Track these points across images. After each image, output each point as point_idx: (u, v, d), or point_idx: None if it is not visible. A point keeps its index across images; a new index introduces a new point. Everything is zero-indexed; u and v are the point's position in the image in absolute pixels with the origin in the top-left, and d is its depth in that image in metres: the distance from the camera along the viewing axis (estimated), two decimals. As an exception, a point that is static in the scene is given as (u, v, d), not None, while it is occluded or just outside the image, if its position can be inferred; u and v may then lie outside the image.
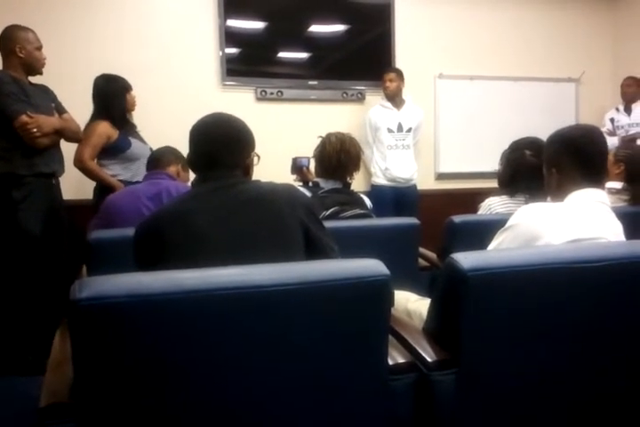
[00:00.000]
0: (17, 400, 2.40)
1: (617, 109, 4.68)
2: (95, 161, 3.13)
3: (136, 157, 3.14)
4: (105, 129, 3.07)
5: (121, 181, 3.10)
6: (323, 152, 2.50)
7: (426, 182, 4.61)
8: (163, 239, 1.36)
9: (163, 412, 1.07)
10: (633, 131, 4.50)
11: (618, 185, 2.62)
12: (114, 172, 3.13)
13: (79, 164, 3.07)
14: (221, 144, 1.49)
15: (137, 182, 3.07)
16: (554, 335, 1.31)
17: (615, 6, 5.12)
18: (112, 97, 3.11)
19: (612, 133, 4.55)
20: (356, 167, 2.53)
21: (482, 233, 1.71)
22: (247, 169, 1.56)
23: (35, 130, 2.73)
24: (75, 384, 1.07)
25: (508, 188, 2.36)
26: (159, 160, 2.54)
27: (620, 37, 5.12)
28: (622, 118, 4.61)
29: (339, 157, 2.45)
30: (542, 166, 1.78)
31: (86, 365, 1.03)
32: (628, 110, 4.62)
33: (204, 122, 1.53)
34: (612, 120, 4.67)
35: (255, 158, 1.61)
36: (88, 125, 3.08)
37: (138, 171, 3.13)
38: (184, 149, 1.67)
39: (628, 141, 4.28)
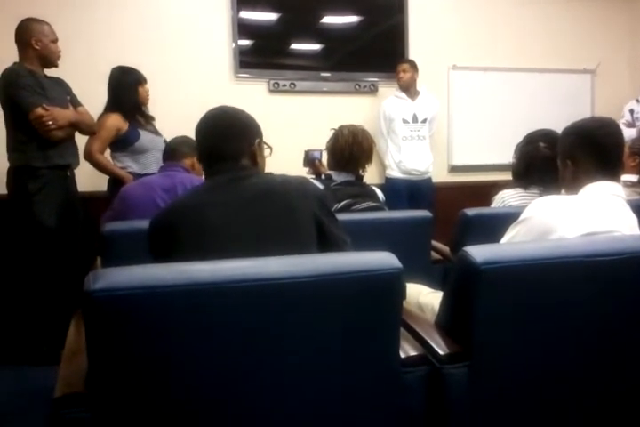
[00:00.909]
0: (32, 390, 2.43)
1: (637, 101, 4.60)
2: (109, 153, 3.16)
3: (145, 150, 3.15)
4: (114, 122, 3.08)
5: (131, 173, 3.12)
6: (335, 145, 2.50)
7: (439, 175, 4.58)
8: (176, 232, 1.37)
9: (175, 402, 1.08)
10: None
11: (634, 178, 2.59)
12: (124, 164, 3.15)
13: (88, 157, 3.10)
14: (221, 134, 1.50)
15: (146, 175, 3.09)
16: (567, 329, 1.31)
17: (632, -4, 5.05)
18: (124, 89, 3.12)
19: (631, 125, 4.47)
20: (369, 160, 2.52)
21: (495, 226, 1.71)
22: (254, 156, 1.54)
23: (50, 122, 2.75)
24: (89, 375, 1.08)
25: (522, 180, 2.34)
26: (175, 151, 2.53)
27: (636, 28, 5.04)
28: None
29: (351, 149, 2.45)
30: (556, 158, 1.77)
31: (100, 355, 1.04)
32: None
33: (204, 117, 1.55)
34: (631, 111, 4.57)
35: (267, 150, 1.61)
36: (99, 118, 3.10)
37: (147, 163, 3.15)
38: (197, 142, 1.67)
39: None
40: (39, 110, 2.72)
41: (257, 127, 1.58)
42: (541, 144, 2.26)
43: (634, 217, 1.59)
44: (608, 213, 1.53)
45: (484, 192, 2.63)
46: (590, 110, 4.91)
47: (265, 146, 1.60)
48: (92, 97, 3.12)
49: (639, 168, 2.62)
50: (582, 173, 1.63)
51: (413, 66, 4.23)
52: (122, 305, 1.01)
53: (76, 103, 3.03)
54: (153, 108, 3.37)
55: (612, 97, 4.94)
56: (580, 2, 4.91)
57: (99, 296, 0.99)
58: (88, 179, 3.37)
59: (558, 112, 4.37)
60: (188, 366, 1.07)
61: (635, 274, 1.32)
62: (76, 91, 3.08)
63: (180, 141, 2.59)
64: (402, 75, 4.22)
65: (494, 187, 2.47)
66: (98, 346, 1.03)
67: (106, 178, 3.21)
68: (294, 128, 4.14)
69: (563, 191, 1.78)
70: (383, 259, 1.17)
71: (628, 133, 4.12)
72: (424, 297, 1.89)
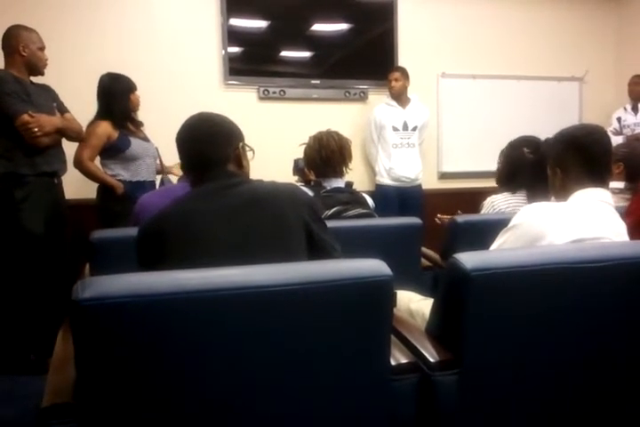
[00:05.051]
0: (19, 400, 2.40)
1: (625, 109, 4.64)
2: (99, 161, 3.15)
3: (136, 157, 3.14)
4: (105, 129, 3.06)
5: (121, 180, 3.11)
6: (306, 157, 2.53)
7: (429, 182, 4.60)
8: (165, 240, 1.36)
9: (165, 412, 1.07)
10: (639, 130, 4.46)
11: (620, 185, 2.61)
12: (114, 172, 3.13)
13: (78, 165, 3.09)
14: (206, 141, 1.48)
15: (137, 182, 3.12)
16: (557, 336, 1.31)
17: (619, 4, 5.10)
18: (116, 97, 3.10)
19: (618, 133, 4.51)
20: (343, 157, 2.48)
21: (484, 233, 1.71)
22: (238, 160, 1.53)
23: (36, 129, 2.73)
24: (77, 385, 1.07)
25: (508, 185, 2.40)
26: None
27: (623, 36, 5.11)
28: (629, 117, 4.56)
29: (320, 155, 2.45)
30: (540, 162, 1.79)
31: (88, 365, 1.03)
32: (635, 109, 4.57)
33: (186, 125, 1.53)
34: (618, 119, 4.62)
35: (250, 153, 1.60)
36: (89, 126, 3.08)
37: (138, 170, 3.15)
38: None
39: (632, 141, 4.24)
40: (25, 117, 2.70)
41: (239, 131, 1.56)
42: (525, 150, 2.35)
43: (622, 224, 1.60)
44: (597, 219, 1.53)
45: (473, 199, 2.65)
46: (578, 117, 4.97)
47: (247, 148, 1.59)
48: (78, 105, 3.10)
49: (624, 175, 2.64)
50: (571, 180, 1.64)
51: (405, 74, 4.25)
52: (110, 314, 1.00)
53: (62, 110, 3.00)
54: (142, 114, 3.36)
55: (599, 104, 5.00)
56: (568, 10, 4.96)
57: (87, 305, 0.97)
58: (76, 186, 3.35)
59: (547, 119, 4.42)
60: (179, 375, 1.06)
61: (622, 280, 1.32)
62: (61, 98, 3.05)
63: None
64: (393, 83, 4.24)
65: (483, 193, 2.50)
66: (86, 356, 1.02)
67: (94, 185, 3.19)
68: (284, 135, 4.14)
69: (552, 198, 1.79)
70: (373, 266, 1.17)
71: (615, 141, 4.15)
72: (415, 304, 1.89)
